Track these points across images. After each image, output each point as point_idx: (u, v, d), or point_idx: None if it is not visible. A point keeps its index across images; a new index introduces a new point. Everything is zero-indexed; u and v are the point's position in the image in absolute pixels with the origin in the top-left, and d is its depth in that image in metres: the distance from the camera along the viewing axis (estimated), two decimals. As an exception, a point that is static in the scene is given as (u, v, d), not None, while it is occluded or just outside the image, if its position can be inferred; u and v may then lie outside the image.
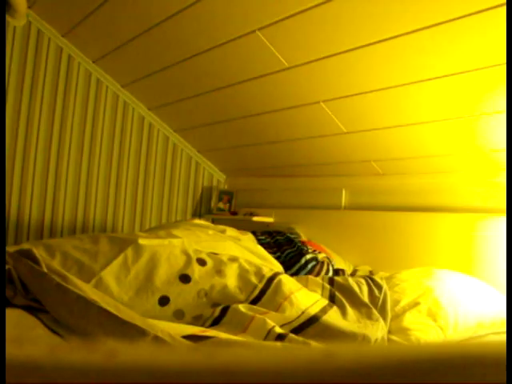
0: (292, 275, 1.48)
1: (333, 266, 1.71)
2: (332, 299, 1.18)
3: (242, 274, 1.16)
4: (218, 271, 1.14)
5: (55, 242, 1.14)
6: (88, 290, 0.78)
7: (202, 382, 0.20)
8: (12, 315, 0.74)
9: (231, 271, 1.16)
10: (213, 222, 2.49)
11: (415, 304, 1.23)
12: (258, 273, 1.18)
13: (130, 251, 1.10)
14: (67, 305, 0.74)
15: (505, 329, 1.24)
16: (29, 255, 0.83)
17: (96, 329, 0.71)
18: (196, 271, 1.11)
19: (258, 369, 0.20)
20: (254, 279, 1.15)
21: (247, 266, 1.21)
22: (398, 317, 1.20)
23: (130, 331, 0.69)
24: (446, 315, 1.19)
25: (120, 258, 1.07)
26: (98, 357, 0.21)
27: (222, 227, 1.63)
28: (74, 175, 2.23)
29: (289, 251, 1.74)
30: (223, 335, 0.84)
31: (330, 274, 1.64)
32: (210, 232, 1.48)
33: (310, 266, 1.63)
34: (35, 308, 0.79)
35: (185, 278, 1.08)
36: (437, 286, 1.31)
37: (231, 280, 1.13)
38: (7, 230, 2.01)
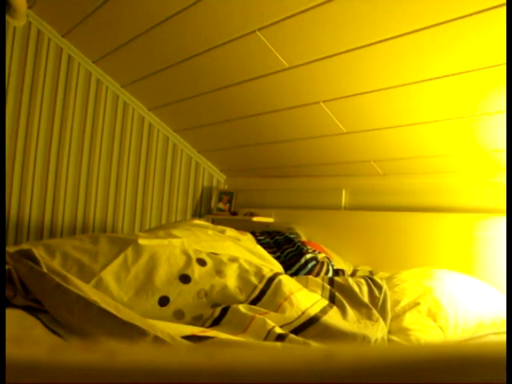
0: (292, 275, 1.48)
1: (332, 266, 1.71)
2: (332, 299, 1.18)
3: (242, 275, 1.16)
4: (218, 271, 1.14)
5: (55, 242, 1.14)
6: (88, 291, 0.78)
7: (202, 382, 0.20)
8: (12, 315, 0.74)
9: (231, 271, 1.16)
10: (213, 222, 2.49)
11: (415, 304, 1.23)
12: (258, 273, 1.18)
13: (129, 251, 1.10)
14: (67, 305, 0.74)
15: (505, 329, 1.24)
16: (29, 255, 0.83)
17: (96, 329, 0.71)
18: (196, 271, 1.11)
19: (258, 369, 0.20)
20: (254, 279, 1.15)
21: (247, 267, 1.20)
22: (398, 317, 1.20)
23: (130, 331, 0.69)
24: (446, 315, 1.19)
25: (120, 258, 1.07)
26: (98, 357, 0.21)
27: (221, 227, 1.63)
28: (73, 175, 2.23)
29: (289, 251, 1.74)
30: (223, 335, 0.84)
31: (330, 274, 1.64)
32: (210, 232, 1.48)
33: (309, 265, 1.63)
34: (35, 308, 0.79)
35: (185, 279, 1.08)
36: (437, 287, 1.31)
37: (231, 280, 1.13)
38: (7, 230, 2.01)
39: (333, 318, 1.04)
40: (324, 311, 1.06)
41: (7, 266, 0.84)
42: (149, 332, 0.69)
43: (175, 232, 1.34)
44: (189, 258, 1.16)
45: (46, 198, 2.14)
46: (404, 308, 1.23)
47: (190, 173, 2.72)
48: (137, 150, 2.48)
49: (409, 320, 1.18)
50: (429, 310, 1.21)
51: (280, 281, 1.15)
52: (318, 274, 1.60)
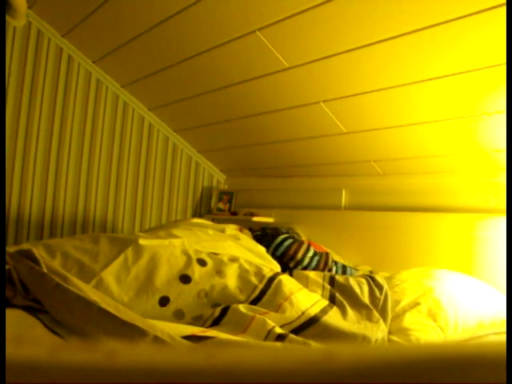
0: (273, 255, 1.51)
1: (314, 249, 1.72)
2: (332, 300, 1.18)
3: (243, 275, 1.16)
4: (219, 272, 1.14)
5: (55, 242, 1.14)
6: (88, 291, 0.78)
7: (202, 382, 0.20)
8: (12, 315, 0.74)
9: (231, 271, 1.16)
10: (213, 222, 2.49)
11: (415, 304, 1.23)
12: (259, 273, 1.18)
13: (130, 251, 1.10)
14: (67, 305, 0.74)
15: (505, 329, 1.24)
16: (29, 255, 0.83)
17: (96, 329, 0.71)
18: (196, 272, 1.11)
19: (258, 369, 0.20)
20: (254, 279, 1.15)
21: (247, 267, 1.20)
22: (398, 317, 1.20)
23: (130, 331, 0.69)
24: (446, 315, 1.19)
25: (120, 259, 1.07)
26: (98, 357, 0.21)
27: (221, 226, 1.63)
28: (74, 175, 2.23)
29: (269, 235, 1.78)
30: (223, 335, 0.84)
31: (310, 253, 1.65)
32: (210, 232, 1.48)
33: (286, 243, 1.66)
34: (35, 308, 0.79)
35: (185, 279, 1.08)
36: (437, 286, 1.31)
37: (231, 280, 1.13)
38: (7, 230, 2.01)
39: (333, 318, 1.04)
40: (324, 311, 1.06)
41: (7, 266, 0.84)
42: (149, 332, 0.69)
43: (176, 232, 1.34)
44: (189, 258, 1.16)
45: (46, 197, 2.14)
46: (404, 308, 1.23)
47: (189, 173, 2.72)
48: (137, 150, 2.48)
49: (409, 320, 1.18)
50: (429, 310, 1.21)
51: (280, 281, 1.15)
52: (295, 252, 1.62)
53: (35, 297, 0.80)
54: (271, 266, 1.37)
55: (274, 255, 1.62)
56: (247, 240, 1.57)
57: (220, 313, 0.99)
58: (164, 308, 1.00)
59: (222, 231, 1.56)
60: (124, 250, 1.10)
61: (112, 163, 2.37)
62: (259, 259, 1.39)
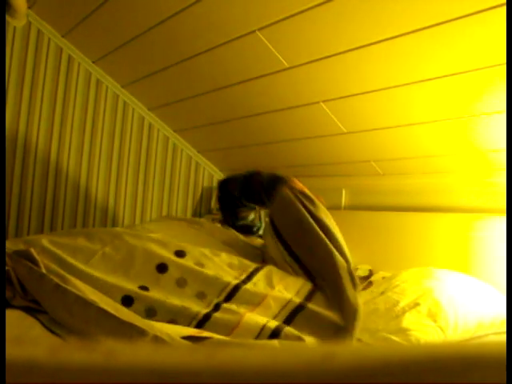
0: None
1: None
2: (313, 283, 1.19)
3: (223, 267, 1.16)
4: (198, 263, 1.15)
5: (35, 238, 1.15)
6: (86, 291, 0.78)
7: (202, 382, 0.20)
8: (11, 316, 0.74)
9: (211, 264, 1.16)
10: (213, 222, 2.49)
11: (415, 305, 1.23)
12: (240, 266, 1.19)
13: (108, 247, 1.11)
14: (66, 305, 0.74)
15: (505, 329, 1.24)
16: (27, 256, 0.84)
17: (95, 329, 0.71)
18: (174, 262, 1.11)
19: (258, 369, 0.20)
20: (234, 272, 1.15)
21: (228, 260, 1.21)
22: (397, 317, 1.20)
23: (129, 331, 0.69)
24: (446, 316, 1.19)
25: (99, 254, 1.08)
26: (98, 357, 0.21)
27: (197, 219, 1.64)
28: (73, 175, 2.23)
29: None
30: (220, 336, 0.84)
31: None
32: (184, 224, 1.48)
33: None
34: (34, 309, 0.79)
35: (162, 268, 1.08)
36: (437, 287, 1.31)
37: (211, 271, 1.13)
38: (7, 229, 2.01)
39: (318, 303, 1.06)
40: (309, 298, 1.08)
41: (6, 267, 0.84)
42: (148, 332, 0.69)
43: (152, 226, 1.35)
44: (166, 250, 1.16)
45: (46, 197, 2.14)
46: (404, 308, 1.23)
47: (190, 173, 2.72)
48: (137, 150, 2.47)
49: (408, 320, 1.18)
50: (429, 310, 1.21)
51: (263, 273, 1.15)
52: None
53: (34, 297, 0.80)
54: (250, 260, 1.36)
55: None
56: (223, 233, 1.57)
57: (205, 315, 0.98)
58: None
59: (199, 224, 1.57)
60: (102, 246, 1.11)
61: (112, 163, 2.37)
62: (237, 253, 1.39)
